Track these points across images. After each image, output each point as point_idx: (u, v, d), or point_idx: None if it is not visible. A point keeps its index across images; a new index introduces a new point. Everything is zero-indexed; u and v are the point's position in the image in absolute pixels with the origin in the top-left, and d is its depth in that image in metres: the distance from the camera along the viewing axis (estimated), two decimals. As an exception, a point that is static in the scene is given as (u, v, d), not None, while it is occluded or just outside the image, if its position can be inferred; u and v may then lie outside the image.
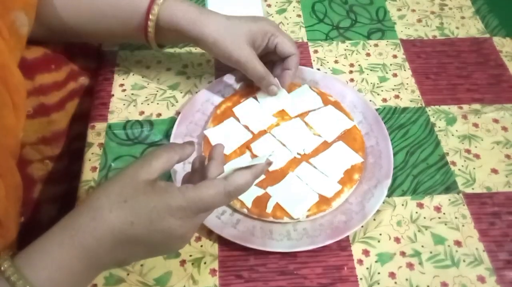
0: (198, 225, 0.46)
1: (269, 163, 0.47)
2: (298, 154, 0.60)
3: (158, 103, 0.68)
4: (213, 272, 0.53)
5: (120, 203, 0.42)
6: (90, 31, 0.63)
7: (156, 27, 0.61)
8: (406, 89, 0.70)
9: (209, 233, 0.55)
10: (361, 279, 0.53)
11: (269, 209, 0.55)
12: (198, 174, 0.50)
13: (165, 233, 0.43)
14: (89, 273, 0.44)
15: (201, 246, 0.55)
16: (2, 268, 0.41)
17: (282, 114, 0.65)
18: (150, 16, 0.60)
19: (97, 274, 0.46)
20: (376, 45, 0.76)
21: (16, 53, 0.54)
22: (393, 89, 0.70)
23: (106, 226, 0.42)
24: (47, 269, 0.41)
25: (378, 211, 0.57)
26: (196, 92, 0.67)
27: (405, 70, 0.73)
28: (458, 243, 0.55)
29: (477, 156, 0.63)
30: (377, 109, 0.67)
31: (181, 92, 0.69)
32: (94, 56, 0.73)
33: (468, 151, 0.64)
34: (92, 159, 0.62)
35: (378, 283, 0.52)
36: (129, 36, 0.65)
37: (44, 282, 0.41)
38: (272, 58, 0.65)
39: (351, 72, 0.73)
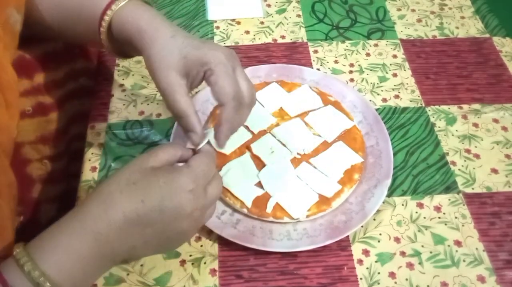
0: (207, 206, 0.47)
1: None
2: (298, 154, 0.60)
3: (158, 103, 0.68)
4: (213, 272, 0.53)
5: (130, 185, 0.43)
6: (62, 32, 0.60)
7: (109, 34, 0.55)
8: (406, 89, 0.70)
9: (209, 233, 0.55)
10: (361, 279, 0.53)
11: (269, 209, 0.55)
12: None
13: (176, 209, 0.43)
14: (101, 262, 0.44)
15: (201, 246, 0.55)
16: (14, 253, 0.41)
17: (282, 114, 0.64)
18: (103, 23, 0.54)
19: (108, 265, 0.45)
20: (376, 45, 0.76)
21: (11, 50, 0.53)
22: (393, 89, 0.70)
23: (117, 208, 0.42)
24: (56, 254, 0.41)
25: (378, 211, 0.57)
26: (196, 92, 0.67)
27: (405, 70, 0.73)
28: (458, 243, 0.55)
29: (477, 156, 0.63)
30: (377, 109, 0.67)
31: (181, 92, 0.69)
32: (94, 57, 0.73)
33: (468, 151, 0.64)
34: (92, 159, 0.62)
35: (378, 283, 0.52)
36: (93, 43, 0.60)
37: (53, 267, 0.41)
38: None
39: (351, 72, 0.73)
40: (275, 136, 0.62)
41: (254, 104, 0.52)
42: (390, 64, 0.74)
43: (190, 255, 0.54)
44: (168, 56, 0.49)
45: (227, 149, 0.60)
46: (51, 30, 0.60)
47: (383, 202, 0.58)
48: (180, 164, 0.48)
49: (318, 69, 0.72)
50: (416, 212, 0.58)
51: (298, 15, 0.81)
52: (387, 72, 0.73)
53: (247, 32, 0.78)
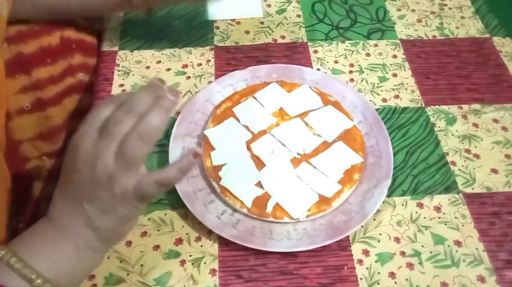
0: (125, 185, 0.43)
1: (196, 154, 0.43)
2: (298, 154, 0.60)
3: (158, 103, 0.68)
4: (213, 272, 0.53)
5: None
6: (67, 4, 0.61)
7: None
8: (406, 89, 0.70)
9: (209, 233, 0.55)
10: (361, 279, 0.53)
11: (269, 209, 0.55)
12: None
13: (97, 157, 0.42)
14: (69, 240, 0.43)
15: (201, 246, 0.55)
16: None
17: (282, 114, 0.64)
18: None
19: (83, 248, 0.44)
20: (376, 45, 0.76)
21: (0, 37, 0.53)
22: (393, 89, 0.70)
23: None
24: (39, 247, 0.43)
25: (378, 211, 0.57)
26: (196, 92, 0.67)
27: (405, 70, 0.73)
28: (458, 243, 0.55)
29: (477, 156, 0.63)
30: (377, 109, 0.67)
31: (181, 92, 0.69)
32: (93, 53, 0.73)
33: (468, 151, 0.64)
34: (92, 158, 0.62)
35: (378, 283, 0.52)
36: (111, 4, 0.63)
37: (39, 261, 0.42)
38: None
39: (351, 72, 0.73)
40: (275, 137, 0.62)
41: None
42: (390, 64, 0.74)
43: (190, 255, 0.54)
44: None
45: (228, 149, 0.60)
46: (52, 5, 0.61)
47: (383, 202, 0.58)
48: None
49: (318, 69, 0.72)
50: (416, 212, 0.58)
51: (298, 15, 0.81)
52: (387, 72, 0.73)
53: (247, 32, 0.78)
